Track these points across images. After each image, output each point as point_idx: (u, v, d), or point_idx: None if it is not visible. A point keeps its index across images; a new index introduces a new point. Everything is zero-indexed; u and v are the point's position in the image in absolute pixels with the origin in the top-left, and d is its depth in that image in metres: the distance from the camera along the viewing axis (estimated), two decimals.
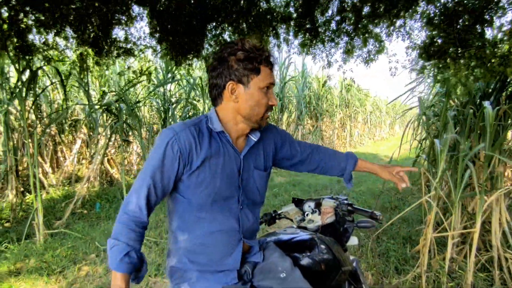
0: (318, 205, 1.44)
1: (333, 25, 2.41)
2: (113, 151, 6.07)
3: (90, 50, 2.72)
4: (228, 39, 3.17)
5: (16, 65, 2.99)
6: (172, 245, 1.08)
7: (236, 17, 2.90)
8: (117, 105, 4.06)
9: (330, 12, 2.43)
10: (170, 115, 5.17)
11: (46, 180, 5.20)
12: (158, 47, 2.85)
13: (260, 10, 2.92)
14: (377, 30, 2.10)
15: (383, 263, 2.74)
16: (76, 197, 4.32)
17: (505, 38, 1.74)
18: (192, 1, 2.70)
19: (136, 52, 2.76)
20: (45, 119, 5.40)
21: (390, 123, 19.97)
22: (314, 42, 2.59)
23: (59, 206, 4.46)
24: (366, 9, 2.02)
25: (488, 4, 1.87)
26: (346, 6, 2.11)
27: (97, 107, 4.83)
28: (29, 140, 3.51)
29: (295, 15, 2.72)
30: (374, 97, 16.13)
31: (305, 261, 1.15)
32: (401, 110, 17.20)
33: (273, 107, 1.04)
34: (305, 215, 1.45)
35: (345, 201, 1.38)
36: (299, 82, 9.12)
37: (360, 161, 1.30)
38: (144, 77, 4.21)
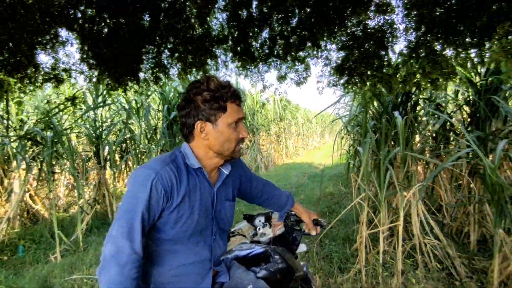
0: (268, 218, 1.55)
1: (265, 49, 2.61)
2: (34, 185, 5.45)
3: (9, 77, 2.48)
4: (166, 62, 3.18)
5: None
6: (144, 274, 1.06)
7: (173, 40, 2.95)
8: (44, 133, 3.72)
9: (262, 37, 2.63)
10: (103, 140, 4.88)
11: None
12: (91, 72, 2.73)
13: (195, 33, 3.01)
14: (304, 54, 2.37)
15: (328, 264, 2.96)
16: None
17: (403, 61, 2.11)
18: (125, 26, 2.68)
19: (66, 78, 2.60)
20: None
21: (321, 133, 21.49)
22: (249, 66, 2.76)
23: None
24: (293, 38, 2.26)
25: (385, 33, 2.25)
26: (275, 34, 2.33)
27: (13, 137, 4.34)
28: None
29: (230, 39, 2.86)
30: (304, 109, 17.28)
31: (262, 273, 1.24)
32: (329, 120, 18.69)
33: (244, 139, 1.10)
34: (257, 230, 1.55)
35: (292, 213, 1.52)
36: None
37: (296, 204, 1.48)
38: (72, 103, 3.94)
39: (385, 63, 2.35)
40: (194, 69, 3.18)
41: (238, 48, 2.77)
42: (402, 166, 2.96)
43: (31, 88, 2.79)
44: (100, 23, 2.62)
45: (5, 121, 4.26)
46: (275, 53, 2.57)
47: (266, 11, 2.40)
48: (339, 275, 2.77)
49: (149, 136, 5.52)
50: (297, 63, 2.39)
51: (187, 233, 1.03)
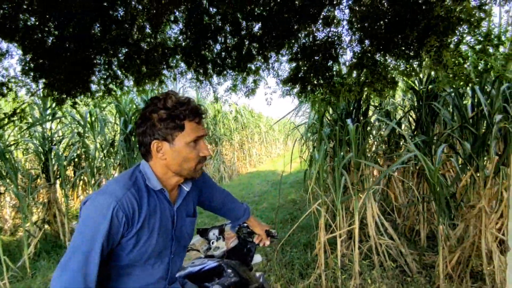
0: (221, 231, 1.55)
1: (218, 61, 2.63)
2: None
3: None
4: (119, 72, 3.09)
5: None
6: None
7: (126, 51, 2.87)
8: None
9: (215, 50, 2.65)
10: (53, 156, 4.58)
11: None
12: (36, 85, 2.57)
13: (150, 43, 2.96)
14: (254, 67, 2.42)
15: (289, 271, 3.00)
16: None
17: (348, 72, 2.24)
18: (72, 36, 2.56)
19: (6, 92, 2.43)
20: None
21: (283, 140, 21.91)
22: (203, 77, 2.76)
23: None
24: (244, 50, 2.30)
25: (333, 45, 2.37)
26: (228, 46, 2.36)
27: None
28: None
29: (181, 50, 2.85)
30: (267, 118, 17.53)
31: None
32: (291, 127, 19.14)
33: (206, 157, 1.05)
34: (211, 243, 1.53)
35: (244, 225, 1.52)
36: None
37: (251, 217, 1.49)
38: (14, 118, 3.66)
39: (334, 73, 2.48)
40: (148, 80, 3.11)
41: (191, 60, 2.77)
42: (356, 170, 3.10)
43: None
44: (44, 33, 2.48)
45: None
46: (228, 65, 2.60)
47: (218, 23, 2.43)
48: (300, 282, 2.81)
49: (105, 151, 5.28)
50: (247, 75, 2.44)
51: (144, 256, 0.99)
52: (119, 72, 3.09)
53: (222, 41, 2.54)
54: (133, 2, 2.57)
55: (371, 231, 3.13)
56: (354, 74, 2.27)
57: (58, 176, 4.74)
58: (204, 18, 2.38)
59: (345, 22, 2.39)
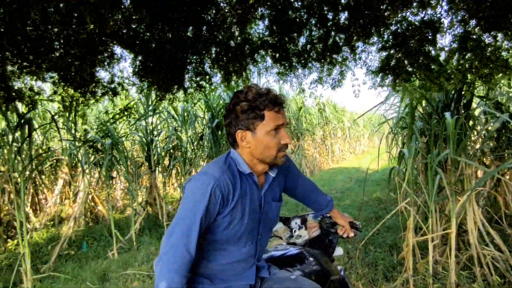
0: (304, 221, 1.57)
1: (304, 55, 2.64)
2: (96, 188, 6.00)
3: (74, 92, 2.81)
4: (209, 70, 3.35)
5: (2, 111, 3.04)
6: (197, 263, 1.14)
7: (216, 49, 3.10)
8: (103, 141, 4.11)
9: (300, 43, 2.66)
10: (153, 147, 5.23)
11: (28, 224, 5.06)
12: (142, 84, 2.98)
13: (236, 41, 3.14)
14: (341, 58, 2.35)
15: (372, 272, 2.85)
16: (62, 239, 4.23)
17: (448, 57, 2.00)
18: (170, 40, 2.88)
19: (120, 91, 2.88)
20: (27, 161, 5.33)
21: (369, 136, 20.63)
22: (288, 71, 2.79)
23: (44, 250, 4.35)
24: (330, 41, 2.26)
25: (430, 28, 2.15)
26: (313, 38, 2.34)
27: (78, 144, 4.85)
28: (13, 185, 3.48)
29: (268, 45, 2.93)
30: (351, 113, 16.74)
31: (296, 273, 1.26)
32: (377, 123, 17.90)
33: (288, 145, 1.11)
34: (293, 232, 1.57)
35: (327, 215, 1.51)
36: None
37: (334, 210, 1.48)
38: (126, 112, 4.30)
39: (432, 59, 2.24)
40: (235, 76, 3.30)
41: (277, 55, 2.83)
42: (453, 169, 2.77)
43: (92, 101, 3.13)
44: (149, 38, 2.85)
45: (72, 131, 4.78)
46: (313, 57, 2.58)
47: (304, 16, 2.43)
48: (384, 283, 2.65)
49: (195, 143, 5.79)
50: (333, 67, 2.38)
51: (236, 235, 1.10)
52: (208, 70, 3.36)
53: (307, 33, 2.53)
54: (221, 4, 2.75)
55: (472, 239, 2.75)
56: (455, 60, 2.02)
57: (157, 164, 5.39)
58: (288, 12, 2.41)
59: (444, 2, 2.14)
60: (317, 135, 11.58)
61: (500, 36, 1.87)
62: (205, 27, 2.92)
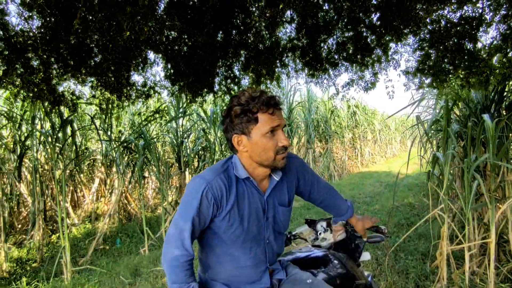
0: (329, 224, 1.55)
1: (334, 56, 2.61)
2: (129, 187, 6.28)
3: (111, 95, 2.98)
4: (237, 73, 3.41)
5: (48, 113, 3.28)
6: (203, 274, 1.23)
7: (245, 53, 3.15)
8: (136, 142, 4.30)
9: (330, 45, 2.64)
10: (183, 148, 5.38)
11: (68, 219, 5.39)
12: (173, 87, 3.09)
13: (265, 44, 3.17)
14: (372, 59, 2.30)
15: (403, 280, 2.75)
16: (98, 234, 4.47)
17: (487, 54, 1.90)
18: (201, 44, 2.97)
19: (152, 94, 3.00)
20: (68, 161, 5.70)
21: (401, 139, 19.88)
22: (318, 72, 2.78)
23: (82, 244, 4.61)
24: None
25: (471, 24, 2.05)
26: (344, 40, 2.32)
27: (114, 144, 5.11)
28: (56, 183, 3.73)
29: (298, 48, 2.92)
30: (382, 114, 16.21)
31: (320, 276, 1.26)
32: (409, 125, 17.21)
33: (287, 147, 1.09)
34: (318, 234, 1.56)
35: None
36: (305, 107, 9.35)
37: (354, 216, 1.45)
38: (157, 115, 4.48)
39: (474, 57, 2.13)
40: (264, 79, 3.33)
41: (307, 57, 2.82)
42: (494, 175, 2.61)
43: (127, 103, 3.29)
44: (181, 44, 2.95)
45: (108, 132, 5.05)
46: (344, 59, 2.55)
47: (333, 18, 2.41)
48: None
49: (223, 145, 5.89)
50: (364, 68, 2.33)
51: (239, 239, 1.12)
52: (238, 73, 3.41)
53: (338, 35, 2.50)
54: (251, 8, 2.79)
55: None
56: (495, 59, 1.92)
57: (187, 165, 5.54)
58: (318, 14, 2.40)
59: None
60: (346, 138, 11.34)
61: None
62: (234, 31, 2.97)
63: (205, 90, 3.41)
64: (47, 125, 4.42)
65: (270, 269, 1.23)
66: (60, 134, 3.66)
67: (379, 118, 15.39)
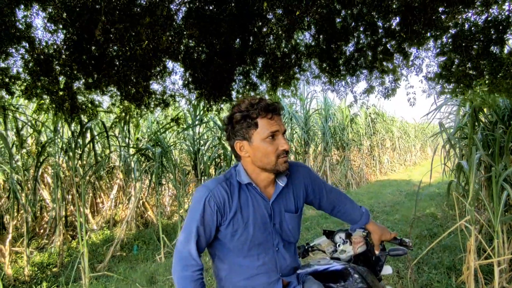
0: (348, 235, 1.49)
1: (352, 63, 2.57)
2: (146, 194, 6.36)
3: (130, 104, 3.04)
4: (255, 80, 3.41)
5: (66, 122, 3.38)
6: (218, 285, 1.21)
7: (263, 60, 3.15)
8: (154, 149, 4.35)
9: (348, 51, 2.60)
10: (200, 155, 5.41)
11: (87, 225, 5.50)
12: (191, 96, 3.12)
13: (283, 51, 3.16)
14: (392, 65, 2.24)
15: None
16: (115, 241, 4.52)
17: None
18: (218, 52, 2.99)
19: (171, 102, 3.04)
20: (87, 167, 5.84)
21: (421, 147, 19.33)
22: (335, 80, 2.74)
23: (100, 250, 4.68)
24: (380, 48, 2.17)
25: (497, 27, 1.97)
26: (363, 46, 2.27)
27: (132, 151, 5.20)
28: (76, 190, 3.82)
29: (315, 54, 2.89)
30: (401, 121, 15.85)
31: None
32: (430, 132, 16.72)
33: (287, 151, 1.10)
34: (337, 246, 1.50)
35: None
36: (322, 114, 9.26)
37: (371, 222, 1.38)
38: (174, 122, 4.53)
39: (500, 62, 2.04)
40: (283, 85, 3.31)
41: (324, 64, 2.79)
42: None
43: (145, 112, 3.34)
44: (199, 52, 2.98)
45: (126, 140, 5.15)
46: (362, 65, 2.51)
47: (351, 24, 2.37)
48: None
49: None
50: (384, 74, 2.27)
51: (245, 246, 1.11)
52: (255, 79, 3.41)
53: (356, 41, 2.47)
54: (268, 16, 2.79)
55: None
56: None
57: (203, 173, 5.57)
58: (335, 20, 2.37)
59: None
60: (364, 146, 11.13)
61: None
62: (252, 38, 2.98)
63: (223, 97, 3.43)
64: (69, 133, 4.57)
65: (284, 281, 1.19)
66: (80, 140, 3.75)
67: (397, 125, 15.05)
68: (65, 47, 2.42)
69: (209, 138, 6.31)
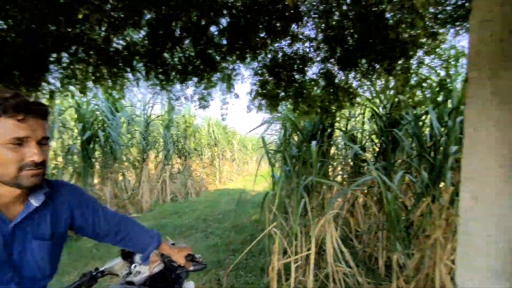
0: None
1: (180, 68, 2.51)
2: None
3: None
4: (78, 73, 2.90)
5: None
6: None
7: (82, 49, 2.69)
8: None
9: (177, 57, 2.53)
10: None
11: None
12: None
13: (113, 46, 2.80)
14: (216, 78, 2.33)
15: None
16: None
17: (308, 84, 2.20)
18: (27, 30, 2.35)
19: None
20: None
21: (257, 159, 21.84)
22: (163, 83, 2.62)
23: None
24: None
25: (300, 60, 2.33)
26: (187, 55, 2.25)
27: None
28: None
29: (145, 55, 2.71)
30: (241, 135, 17.43)
31: None
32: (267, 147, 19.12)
33: (40, 163, 0.87)
34: (133, 267, 1.32)
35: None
36: (165, 121, 8.99)
37: (163, 244, 1.28)
38: None
39: (301, 89, 2.42)
40: (111, 83, 2.95)
41: (153, 65, 2.63)
42: (316, 193, 3.01)
43: None
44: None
45: None
46: (191, 72, 2.49)
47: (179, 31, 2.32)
48: None
49: (61, 157, 4.94)
50: (208, 84, 2.33)
51: None
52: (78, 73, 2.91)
53: (185, 48, 2.43)
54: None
55: (329, 257, 3.01)
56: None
57: None
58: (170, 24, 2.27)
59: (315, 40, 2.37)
60: (206, 156, 11.54)
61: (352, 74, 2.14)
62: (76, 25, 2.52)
63: (31, 89, 2.77)
64: None
65: None
66: None
67: (237, 138, 16.47)
68: None
69: None
